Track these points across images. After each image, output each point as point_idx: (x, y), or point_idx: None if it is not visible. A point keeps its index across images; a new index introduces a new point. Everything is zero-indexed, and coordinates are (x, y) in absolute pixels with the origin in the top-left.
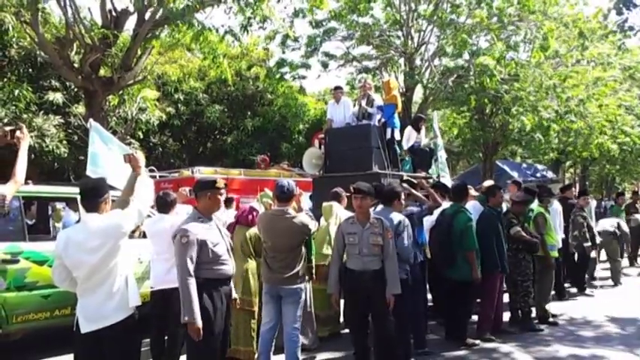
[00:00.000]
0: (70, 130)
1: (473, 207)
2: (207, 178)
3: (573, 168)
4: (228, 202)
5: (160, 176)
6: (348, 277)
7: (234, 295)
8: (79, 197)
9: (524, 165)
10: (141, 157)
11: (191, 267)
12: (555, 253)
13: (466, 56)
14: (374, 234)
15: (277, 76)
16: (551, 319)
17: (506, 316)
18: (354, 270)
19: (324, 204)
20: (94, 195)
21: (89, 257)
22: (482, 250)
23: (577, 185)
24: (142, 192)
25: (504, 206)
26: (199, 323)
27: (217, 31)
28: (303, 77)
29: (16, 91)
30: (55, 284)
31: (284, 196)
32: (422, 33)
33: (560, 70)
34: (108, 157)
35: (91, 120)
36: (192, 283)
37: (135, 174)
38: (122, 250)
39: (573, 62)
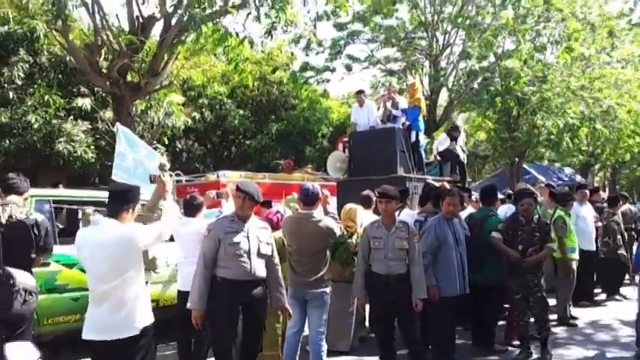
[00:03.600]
0: (97, 136)
1: (508, 209)
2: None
3: (603, 172)
4: (265, 205)
5: (186, 180)
6: (374, 281)
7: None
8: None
9: (552, 168)
10: (168, 181)
11: (204, 258)
12: (576, 256)
13: (491, 58)
14: (400, 238)
15: (301, 80)
16: (571, 321)
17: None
18: (379, 274)
19: (346, 206)
20: (118, 200)
21: (97, 264)
22: None
23: (607, 189)
24: (167, 216)
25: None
26: (201, 311)
27: (238, 35)
28: (327, 80)
29: (46, 97)
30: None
31: (309, 199)
32: (447, 35)
33: (588, 72)
34: (134, 162)
35: (117, 124)
36: (203, 273)
37: (159, 195)
38: (135, 267)
39: (601, 64)
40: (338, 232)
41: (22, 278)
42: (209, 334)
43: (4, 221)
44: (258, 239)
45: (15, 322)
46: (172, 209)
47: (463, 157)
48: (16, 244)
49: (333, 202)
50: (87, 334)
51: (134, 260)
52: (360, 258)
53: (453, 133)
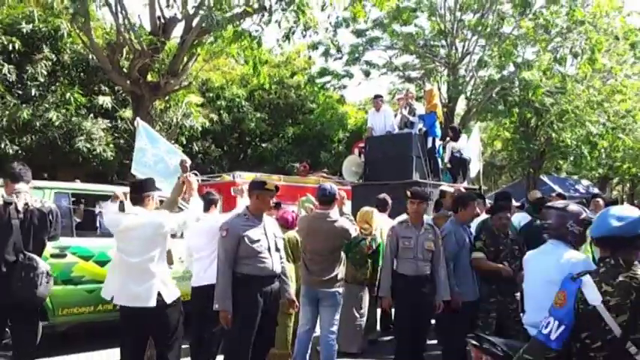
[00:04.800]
0: (117, 134)
1: (523, 217)
2: (259, 179)
3: (621, 185)
4: (275, 207)
5: (202, 180)
6: (402, 282)
7: (290, 296)
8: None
9: (569, 180)
10: (193, 180)
11: (226, 258)
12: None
13: (511, 68)
14: (428, 239)
15: (319, 85)
16: None
17: None
18: (406, 275)
19: (363, 209)
20: (138, 190)
21: (130, 242)
22: None
23: (625, 203)
24: (193, 208)
25: None
26: (229, 312)
27: (250, 35)
28: (344, 87)
29: (68, 94)
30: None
31: (326, 199)
32: (466, 43)
33: (610, 83)
34: (154, 157)
35: (138, 119)
36: (227, 273)
37: (179, 189)
38: (160, 247)
39: (622, 76)
40: (353, 234)
41: (42, 262)
42: (228, 330)
43: (20, 208)
44: (275, 235)
45: (35, 304)
46: (197, 203)
47: (467, 156)
48: (34, 230)
49: (347, 206)
50: (117, 300)
51: (160, 241)
52: (387, 257)
53: (449, 133)
